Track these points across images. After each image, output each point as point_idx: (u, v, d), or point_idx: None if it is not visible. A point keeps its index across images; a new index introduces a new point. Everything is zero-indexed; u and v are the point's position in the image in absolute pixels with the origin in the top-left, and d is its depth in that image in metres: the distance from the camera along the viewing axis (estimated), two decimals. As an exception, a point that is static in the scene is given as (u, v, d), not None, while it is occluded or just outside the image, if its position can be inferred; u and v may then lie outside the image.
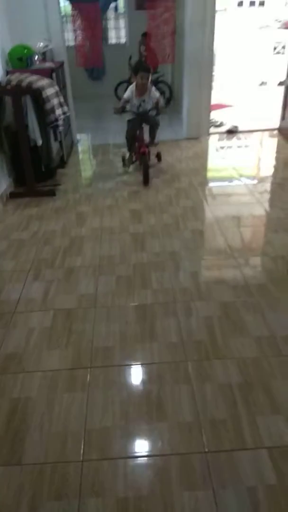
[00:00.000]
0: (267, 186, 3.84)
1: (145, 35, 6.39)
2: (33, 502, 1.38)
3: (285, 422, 1.60)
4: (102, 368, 1.89)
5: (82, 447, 1.55)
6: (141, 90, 3.76)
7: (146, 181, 3.82)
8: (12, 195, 3.71)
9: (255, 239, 3.01)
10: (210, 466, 1.46)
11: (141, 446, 1.55)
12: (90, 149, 5.13)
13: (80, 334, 2.09)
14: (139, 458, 1.51)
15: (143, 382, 1.81)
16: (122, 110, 3.86)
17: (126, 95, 3.84)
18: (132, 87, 3.81)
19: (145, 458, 1.51)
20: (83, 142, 5.36)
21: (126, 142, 4.14)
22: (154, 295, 2.36)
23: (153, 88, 3.88)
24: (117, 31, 8.26)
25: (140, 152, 3.88)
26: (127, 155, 4.21)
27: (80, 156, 4.96)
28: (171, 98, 6.80)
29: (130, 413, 1.67)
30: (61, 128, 3.76)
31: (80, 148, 5.16)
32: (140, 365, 1.90)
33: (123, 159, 4.27)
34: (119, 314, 2.23)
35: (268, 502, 1.35)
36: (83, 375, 1.85)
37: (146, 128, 3.97)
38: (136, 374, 1.86)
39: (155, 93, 3.87)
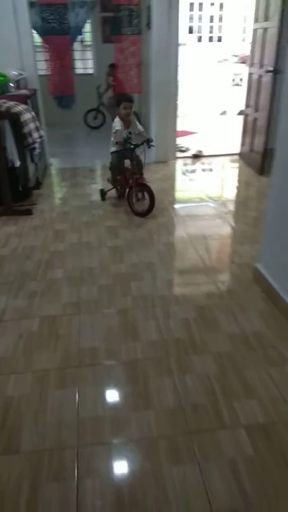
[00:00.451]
0: (231, 204, 4.15)
1: (112, 66, 6.75)
2: (34, 484, 1.49)
3: (259, 405, 1.79)
4: (90, 366, 2.03)
5: (77, 434, 1.67)
6: (127, 122, 3.84)
7: (151, 209, 3.72)
8: (-10, 215, 3.82)
9: (223, 250, 3.26)
10: (194, 444, 1.62)
11: (131, 431, 1.69)
12: (63, 172, 5.31)
13: (67, 337, 2.23)
14: (130, 442, 1.65)
15: (129, 376, 1.96)
16: (125, 140, 3.72)
17: (118, 126, 3.77)
18: (118, 120, 3.82)
19: (136, 441, 1.65)
20: (56, 165, 5.54)
21: (111, 174, 4.09)
22: (134, 301, 2.53)
23: (135, 120, 3.97)
24: (85, 62, 8.63)
25: (141, 184, 3.75)
26: (106, 188, 4.17)
27: (54, 178, 5.13)
28: (139, 125, 7.17)
29: (119, 403, 1.81)
30: (37, 150, 3.94)
31: (53, 171, 5.34)
32: (125, 362, 2.05)
33: (102, 193, 4.19)
34: (103, 319, 2.38)
35: (248, 471, 1.52)
36: (72, 374, 1.98)
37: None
38: (122, 370, 2.00)
39: (139, 125, 3.94)
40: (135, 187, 3.80)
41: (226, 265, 3.00)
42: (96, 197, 4.27)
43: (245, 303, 2.49)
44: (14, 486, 1.49)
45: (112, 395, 1.87)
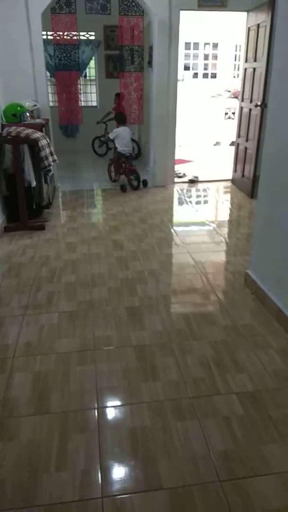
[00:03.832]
0: (225, 222, 4.58)
1: (117, 95, 7.32)
2: (63, 436, 1.81)
3: (248, 378, 2.14)
4: (104, 349, 2.37)
5: (96, 398, 2.01)
6: None
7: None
8: (7, 229, 4.21)
9: (218, 260, 3.66)
10: (195, 406, 1.96)
11: (142, 396, 2.03)
12: (69, 193, 5.76)
13: (83, 330, 2.57)
14: (142, 403, 1.98)
15: (139, 357, 2.31)
16: None
17: None
18: None
19: (147, 403, 1.98)
20: (63, 187, 5.99)
21: None
22: (140, 300, 2.90)
23: None
24: (86, 95, 9.29)
25: None
26: None
27: (61, 199, 5.57)
28: (140, 153, 7.69)
29: (131, 376, 2.16)
30: (51, 173, 4.37)
31: (60, 193, 5.78)
32: (133, 346, 2.40)
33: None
34: (113, 314, 2.74)
35: (238, 424, 1.86)
36: (90, 355, 2.32)
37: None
38: (132, 352, 2.35)
39: None
40: None
41: (220, 272, 3.40)
42: (102, 216, 4.69)
43: (237, 303, 2.87)
44: (46, 435, 1.81)
45: (124, 370, 2.21)
